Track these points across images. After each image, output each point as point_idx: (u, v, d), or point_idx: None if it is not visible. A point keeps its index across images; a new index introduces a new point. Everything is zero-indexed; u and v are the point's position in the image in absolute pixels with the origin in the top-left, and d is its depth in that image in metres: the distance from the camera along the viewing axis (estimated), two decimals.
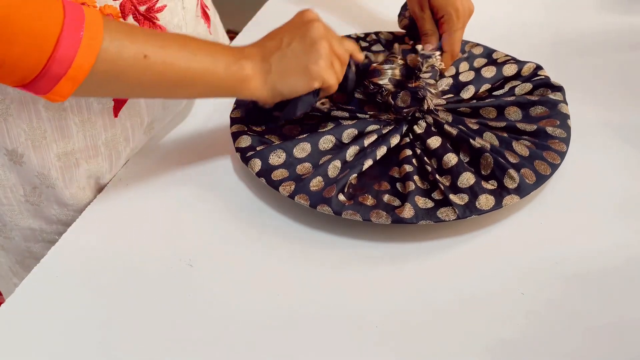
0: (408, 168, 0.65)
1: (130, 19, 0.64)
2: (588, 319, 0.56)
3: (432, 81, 0.71)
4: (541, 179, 0.64)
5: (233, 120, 0.73)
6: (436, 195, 0.63)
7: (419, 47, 0.75)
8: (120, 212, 0.68)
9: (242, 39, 0.92)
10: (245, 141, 0.69)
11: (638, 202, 0.66)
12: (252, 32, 0.94)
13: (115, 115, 0.68)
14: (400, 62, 0.73)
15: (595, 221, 0.64)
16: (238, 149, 0.69)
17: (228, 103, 0.81)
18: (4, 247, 0.72)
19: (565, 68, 0.80)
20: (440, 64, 0.73)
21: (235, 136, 0.71)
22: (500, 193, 0.62)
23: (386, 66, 0.72)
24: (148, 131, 0.74)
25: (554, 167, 0.65)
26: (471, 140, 0.67)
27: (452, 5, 0.75)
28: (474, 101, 0.74)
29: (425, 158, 0.67)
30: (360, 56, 0.70)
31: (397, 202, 0.63)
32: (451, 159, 0.66)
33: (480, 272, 0.60)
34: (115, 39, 0.53)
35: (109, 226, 0.66)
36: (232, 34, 0.92)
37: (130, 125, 0.70)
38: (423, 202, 0.62)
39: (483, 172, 0.65)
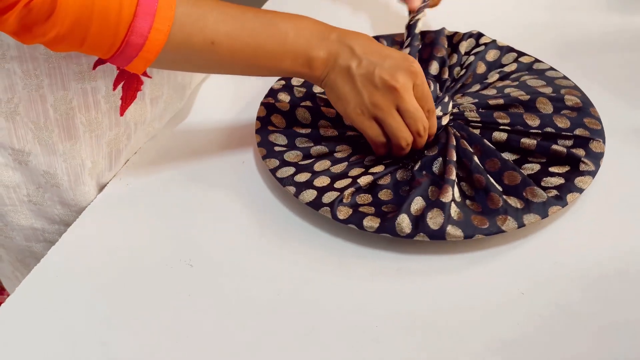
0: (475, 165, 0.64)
1: None
2: (588, 319, 0.56)
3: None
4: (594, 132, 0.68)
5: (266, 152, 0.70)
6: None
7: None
8: (120, 212, 0.68)
9: None
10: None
11: (638, 201, 0.66)
12: None
13: (122, 114, 0.68)
14: None
15: (596, 221, 0.64)
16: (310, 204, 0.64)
17: (228, 103, 0.81)
18: (4, 246, 0.72)
19: (567, 68, 0.79)
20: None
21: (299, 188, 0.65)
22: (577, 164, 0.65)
23: None
24: (148, 130, 0.74)
25: (598, 132, 0.69)
26: (525, 139, 0.67)
27: None
28: (495, 91, 0.73)
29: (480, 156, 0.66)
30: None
31: (498, 203, 0.61)
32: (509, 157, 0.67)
33: (480, 271, 0.60)
34: (184, 25, 0.56)
35: (109, 226, 0.66)
36: None
37: (134, 123, 0.70)
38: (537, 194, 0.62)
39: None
